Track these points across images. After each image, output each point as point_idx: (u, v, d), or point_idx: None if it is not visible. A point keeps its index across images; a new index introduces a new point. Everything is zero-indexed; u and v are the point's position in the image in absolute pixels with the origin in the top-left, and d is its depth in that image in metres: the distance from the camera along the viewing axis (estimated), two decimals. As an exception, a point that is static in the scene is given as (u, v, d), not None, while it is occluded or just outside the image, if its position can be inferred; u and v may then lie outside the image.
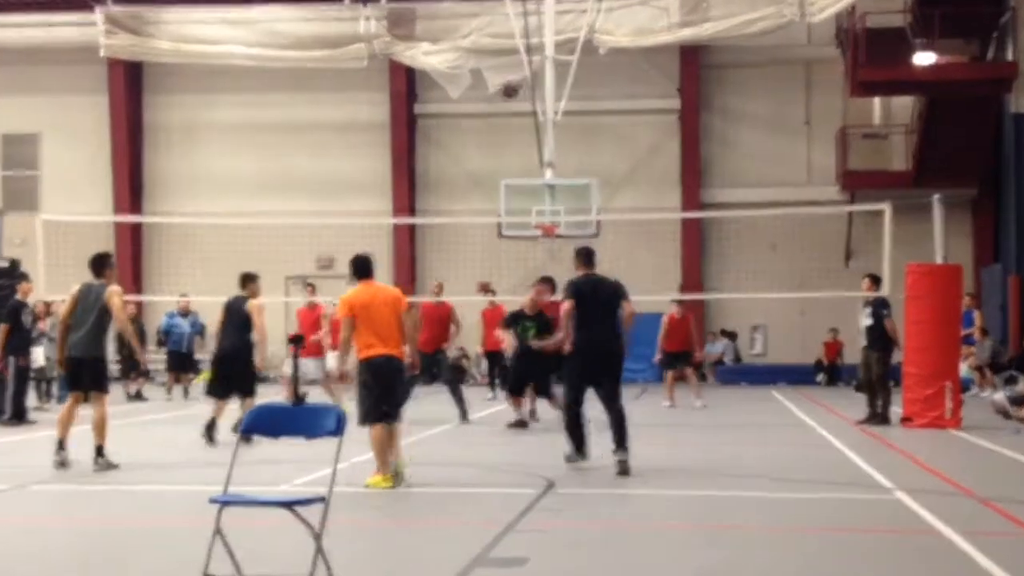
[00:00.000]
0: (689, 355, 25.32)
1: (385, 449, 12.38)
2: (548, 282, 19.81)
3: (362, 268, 12.89)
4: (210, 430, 16.67)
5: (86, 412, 14.22)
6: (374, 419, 12.35)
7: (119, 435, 17.31)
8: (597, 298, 14.13)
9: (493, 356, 25.44)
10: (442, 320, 21.36)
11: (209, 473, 13.34)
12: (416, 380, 17.99)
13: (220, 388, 17.21)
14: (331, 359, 20.37)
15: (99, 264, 14.45)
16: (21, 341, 20.80)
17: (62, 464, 13.94)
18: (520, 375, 19.43)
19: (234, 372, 17.01)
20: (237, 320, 16.97)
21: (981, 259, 34.62)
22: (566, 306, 14.16)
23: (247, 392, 16.87)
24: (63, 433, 14.08)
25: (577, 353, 14.01)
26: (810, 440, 18.03)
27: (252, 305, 16.99)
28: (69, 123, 37.65)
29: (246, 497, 8.04)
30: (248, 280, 17.35)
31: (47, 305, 25.82)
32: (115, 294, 14.16)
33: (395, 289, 13.45)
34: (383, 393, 12.42)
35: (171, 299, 30.12)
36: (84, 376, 14.22)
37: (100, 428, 14.03)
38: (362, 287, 12.76)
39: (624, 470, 13.49)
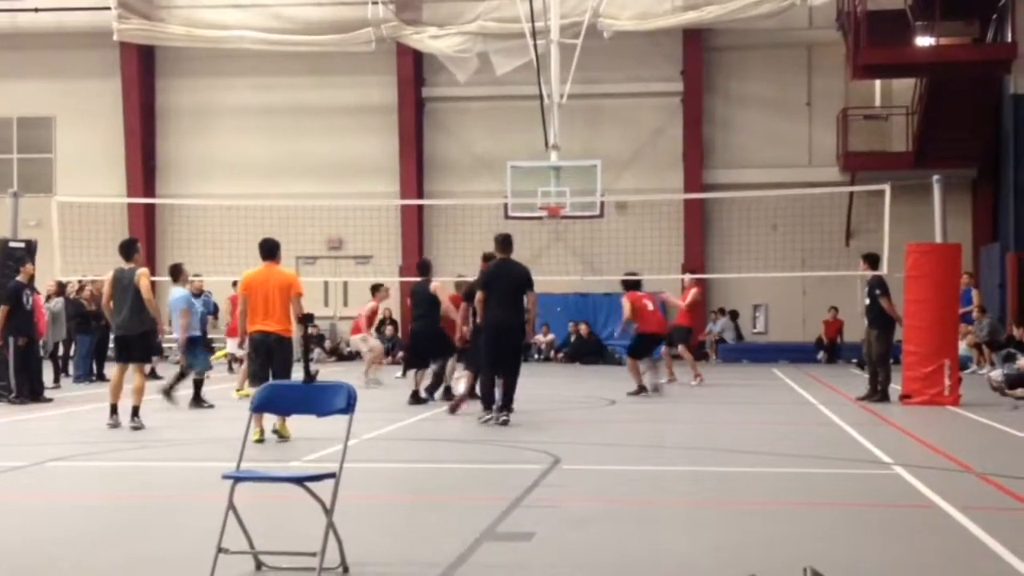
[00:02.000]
0: (690, 331, 25.78)
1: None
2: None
3: (265, 251, 14.60)
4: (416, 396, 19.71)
5: (97, 391, 14.98)
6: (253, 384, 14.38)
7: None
8: (507, 282, 16.51)
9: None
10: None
11: (221, 449, 13.75)
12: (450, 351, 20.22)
13: (418, 361, 20.38)
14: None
15: (127, 250, 16.27)
16: (22, 321, 20.93)
17: (115, 426, 15.87)
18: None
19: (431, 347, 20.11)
20: (426, 303, 20.07)
21: (980, 238, 34.84)
22: (477, 296, 16.73)
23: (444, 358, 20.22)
24: (115, 399, 15.99)
25: (487, 330, 16.56)
26: (811, 417, 18.15)
27: (437, 287, 20.32)
28: (83, 106, 37.89)
29: (258, 473, 8.12)
30: (425, 268, 21.58)
31: (59, 285, 26.16)
32: (143, 276, 15.94)
33: (291, 274, 14.95)
34: (263, 362, 14.29)
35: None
36: (133, 349, 16.08)
37: (139, 393, 15.91)
38: (263, 268, 14.50)
39: (505, 422, 16.12)
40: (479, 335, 17.54)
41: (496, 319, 16.43)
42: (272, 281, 14.29)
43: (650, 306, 22.11)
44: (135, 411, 15.86)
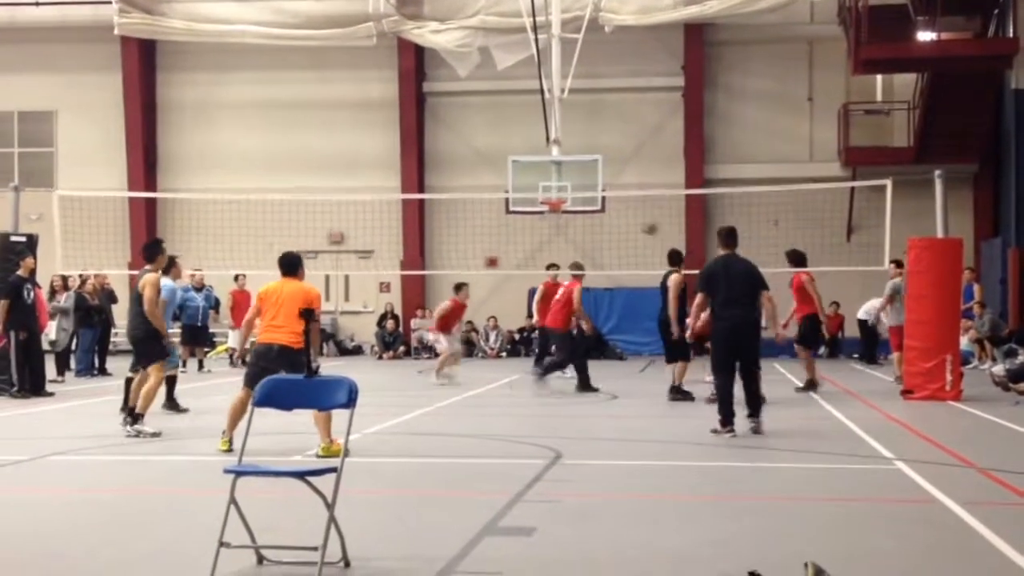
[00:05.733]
0: None
1: (235, 416, 13.20)
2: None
3: (284, 266, 13.71)
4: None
5: (99, 385, 14.78)
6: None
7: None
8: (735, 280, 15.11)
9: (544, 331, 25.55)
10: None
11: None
12: None
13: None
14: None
15: (149, 252, 15.70)
16: (23, 316, 21.01)
17: (154, 433, 15.00)
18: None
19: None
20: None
21: (982, 233, 34.86)
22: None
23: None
24: (134, 402, 15.29)
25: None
26: (812, 412, 18.16)
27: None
28: (84, 101, 37.91)
29: (260, 468, 8.07)
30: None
31: (64, 279, 26.24)
32: (147, 284, 15.15)
33: (310, 288, 13.75)
34: (258, 372, 12.79)
35: (184, 274, 30.48)
36: (139, 353, 15.59)
37: (147, 397, 15.10)
38: (279, 282, 13.60)
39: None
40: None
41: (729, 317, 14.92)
42: (287, 291, 13.43)
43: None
44: (136, 416, 15.04)
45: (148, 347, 15.43)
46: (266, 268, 27.03)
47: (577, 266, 23.87)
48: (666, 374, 20.60)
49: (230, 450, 12.89)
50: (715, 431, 14.77)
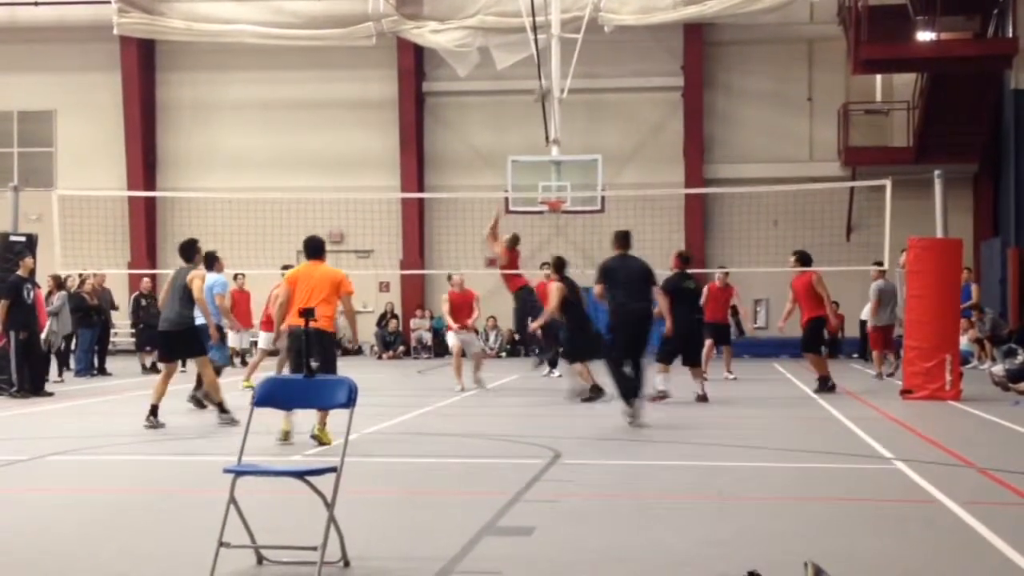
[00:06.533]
0: (726, 328, 25.77)
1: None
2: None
3: (310, 249, 14.48)
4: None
5: (98, 385, 14.79)
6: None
7: (135, 406, 17.89)
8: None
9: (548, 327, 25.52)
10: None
11: (222, 443, 13.82)
12: None
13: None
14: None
15: (187, 251, 16.36)
16: (23, 316, 21.05)
17: (153, 427, 15.60)
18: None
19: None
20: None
21: (981, 233, 34.86)
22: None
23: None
24: (157, 400, 15.76)
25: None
26: (812, 412, 18.20)
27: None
28: (83, 100, 37.88)
29: (260, 467, 8.07)
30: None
31: (57, 280, 26.09)
32: (197, 277, 15.98)
33: (340, 272, 14.65)
34: (296, 357, 14.02)
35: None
36: (178, 346, 16.15)
37: (213, 388, 16.22)
38: (308, 264, 14.38)
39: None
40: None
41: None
42: (318, 274, 14.12)
43: None
44: (220, 407, 16.11)
45: (187, 341, 16.10)
46: (265, 267, 27.21)
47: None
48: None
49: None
50: (649, 400, 16.26)
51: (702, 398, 19.65)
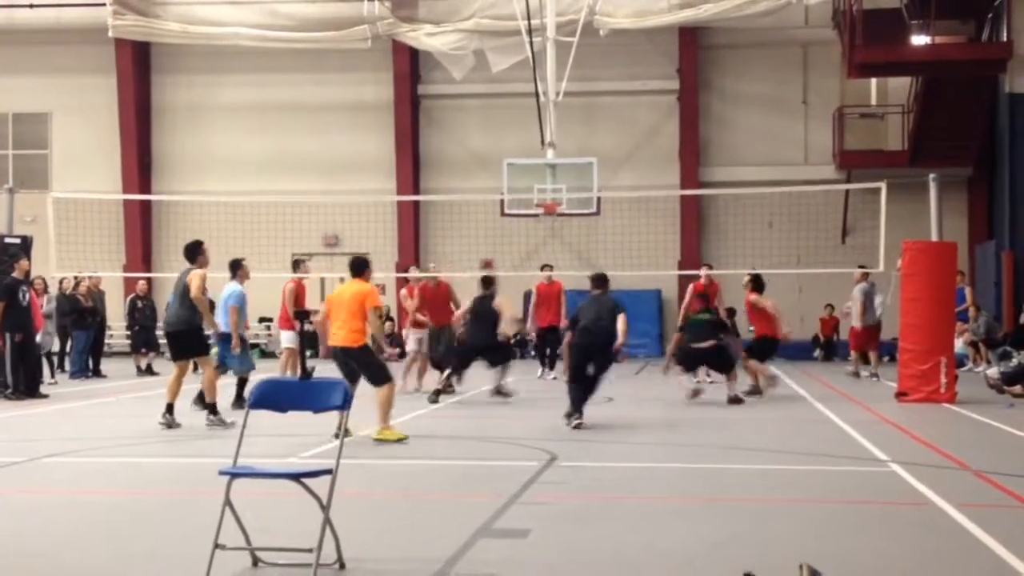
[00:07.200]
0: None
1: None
2: None
3: (352, 269, 14.96)
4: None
5: (93, 387, 14.76)
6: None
7: (129, 408, 17.90)
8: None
9: (547, 332, 25.51)
10: (443, 299, 22.31)
11: (217, 445, 13.80)
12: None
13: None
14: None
15: (190, 252, 16.33)
16: (18, 318, 20.97)
17: (168, 426, 15.73)
18: None
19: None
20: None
21: (976, 236, 34.90)
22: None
23: None
24: (172, 398, 15.86)
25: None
26: (807, 414, 18.22)
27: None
28: (79, 103, 37.83)
29: (255, 469, 8.11)
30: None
31: (44, 282, 25.98)
32: (195, 275, 15.91)
33: (368, 287, 14.79)
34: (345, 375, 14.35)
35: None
36: (180, 346, 16.06)
37: (210, 389, 16.14)
38: (346, 284, 14.96)
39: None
40: None
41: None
42: (348, 293, 14.57)
43: None
44: (210, 408, 16.04)
45: (188, 342, 16.08)
46: (260, 271, 27.15)
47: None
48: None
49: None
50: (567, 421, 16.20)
51: (734, 400, 19.82)
